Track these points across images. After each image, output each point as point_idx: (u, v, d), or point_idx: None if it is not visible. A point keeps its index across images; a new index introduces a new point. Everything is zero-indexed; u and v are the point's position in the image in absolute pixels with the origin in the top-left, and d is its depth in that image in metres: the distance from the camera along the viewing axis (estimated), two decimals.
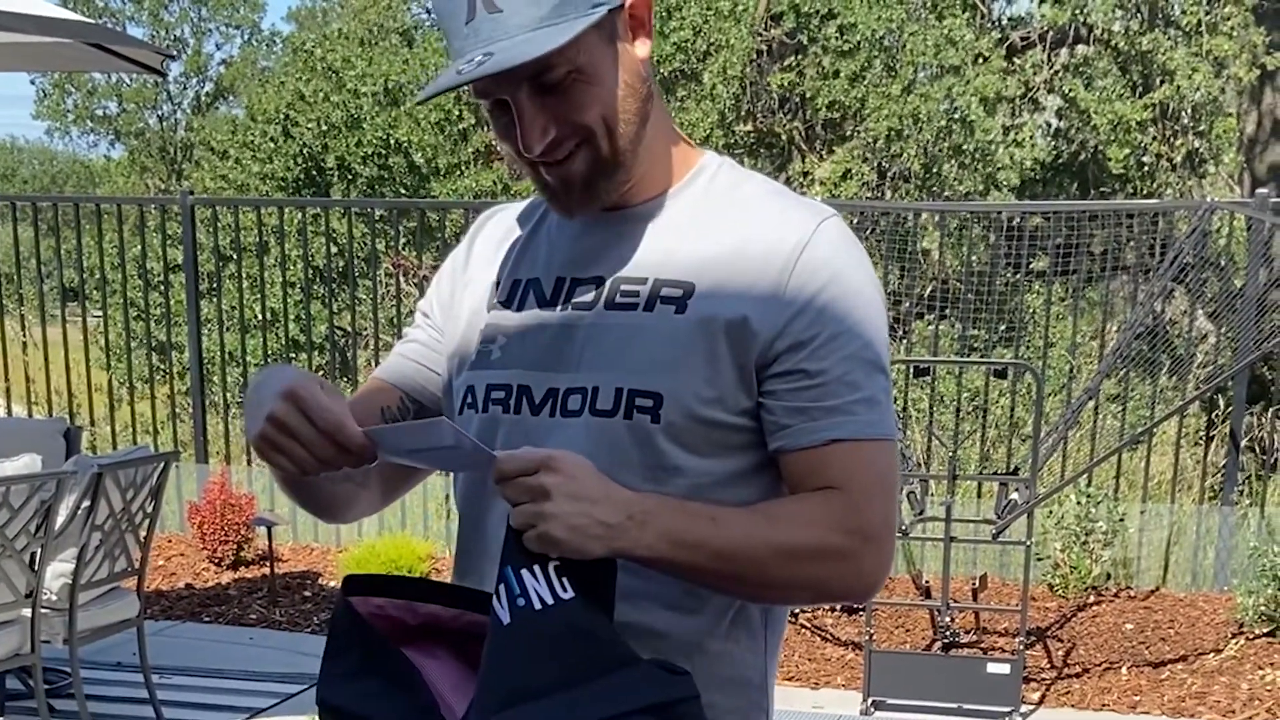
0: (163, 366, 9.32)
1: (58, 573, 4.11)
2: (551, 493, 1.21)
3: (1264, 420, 7.38)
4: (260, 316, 8.63)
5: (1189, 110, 11.73)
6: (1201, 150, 12.08)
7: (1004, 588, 5.98)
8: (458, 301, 1.53)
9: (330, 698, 1.34)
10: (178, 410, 7.56)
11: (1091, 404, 6.38)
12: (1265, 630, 5.32)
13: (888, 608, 5.57)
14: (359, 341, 8.14)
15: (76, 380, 7.54)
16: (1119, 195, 12.38)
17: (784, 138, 12.88)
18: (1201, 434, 7.14)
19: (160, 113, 29.99)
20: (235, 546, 6.27)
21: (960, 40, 11.14)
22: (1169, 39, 11.23)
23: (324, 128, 12.85)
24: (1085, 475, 6.01)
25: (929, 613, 5.41)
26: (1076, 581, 5.86)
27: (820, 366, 1.33)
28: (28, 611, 3.96)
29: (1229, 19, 10.67)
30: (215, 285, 8.29)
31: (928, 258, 9.29)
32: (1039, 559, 5.82)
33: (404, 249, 9.14)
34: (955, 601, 5.12)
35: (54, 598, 4.12)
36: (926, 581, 5.56)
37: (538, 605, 1.20)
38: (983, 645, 5.29)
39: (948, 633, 5.15)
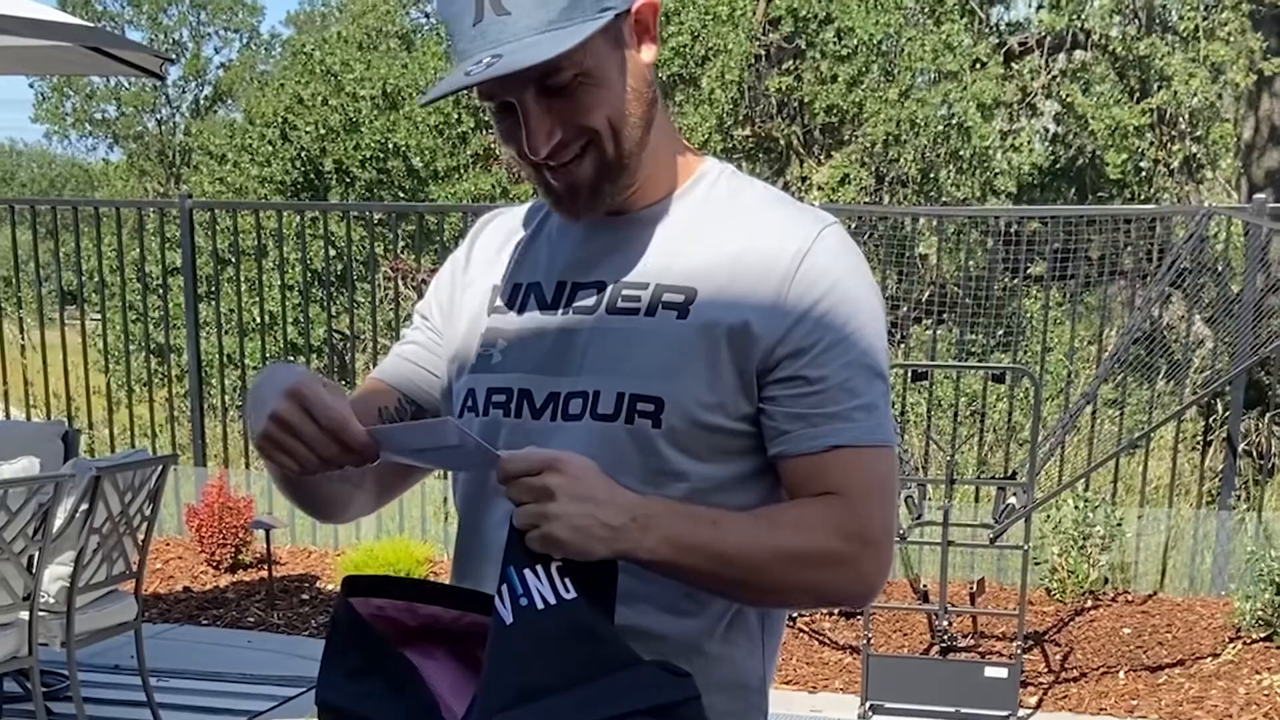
0: (161, 370, 9.33)
1: (55, 575, 4.11)
2: (556, 493, 1.21)
3: (1261, 425, 7.40)
4: (259, 320, 8.63)
5: (1186, 116, 11.75)
6: (1199, 156, 12.10)
7: (1002, 592, 5.98)
8: (457, 304, 1.53)
9: (330, 698, 1.34)
10: (176, 413, 7.56)
11: (1089, 409, 6.39)
12: (1262, 635, 5.33)
13: (886, 612, 5.57)
14: (357, 345, 8.14)
15: (75, 383, 7.55)
16: (1116, 200, 12.40)
17: (782, 142, 12.89)
18: (1199, 439, 7.15)
19: (159, 116, 30.00)
20: (233, 549, 6.27)
21: (958, 46, 11.16)
22: (1166, 44, 11.25)
23: (322, 131, 12.86)
24: (1083, 480, 6.02)
25: (927, 617, 5.41)
26: (1074, 586, 5.86)
27: (821, 373, 1.34)
28: (25, 614, 3.96)
29: (1226, 25, 10.69)
30: (214, 289, 8.29)
31: (925, 263, 9.30)
32: (1037, 563, 5.82)
33: (402, 252, 9.15)
34: (953, 605, 5.12)
35: (52, 600, 4.12)
36: (924, 586, 5.55)
37: (540, 605, 1.20)
38: (980, 649, 5.29)
39: (945, 637, 5.15)
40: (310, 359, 9.46)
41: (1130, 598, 6.00)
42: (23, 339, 7.92)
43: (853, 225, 6.73)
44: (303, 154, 13.01)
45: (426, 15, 18.26)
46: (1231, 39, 10.67)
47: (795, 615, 5.46)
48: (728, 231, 1.40)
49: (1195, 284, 6.48)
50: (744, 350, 1.35)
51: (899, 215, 8.04)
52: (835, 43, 11.34)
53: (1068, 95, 11.85)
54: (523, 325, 1.44)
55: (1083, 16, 11.43)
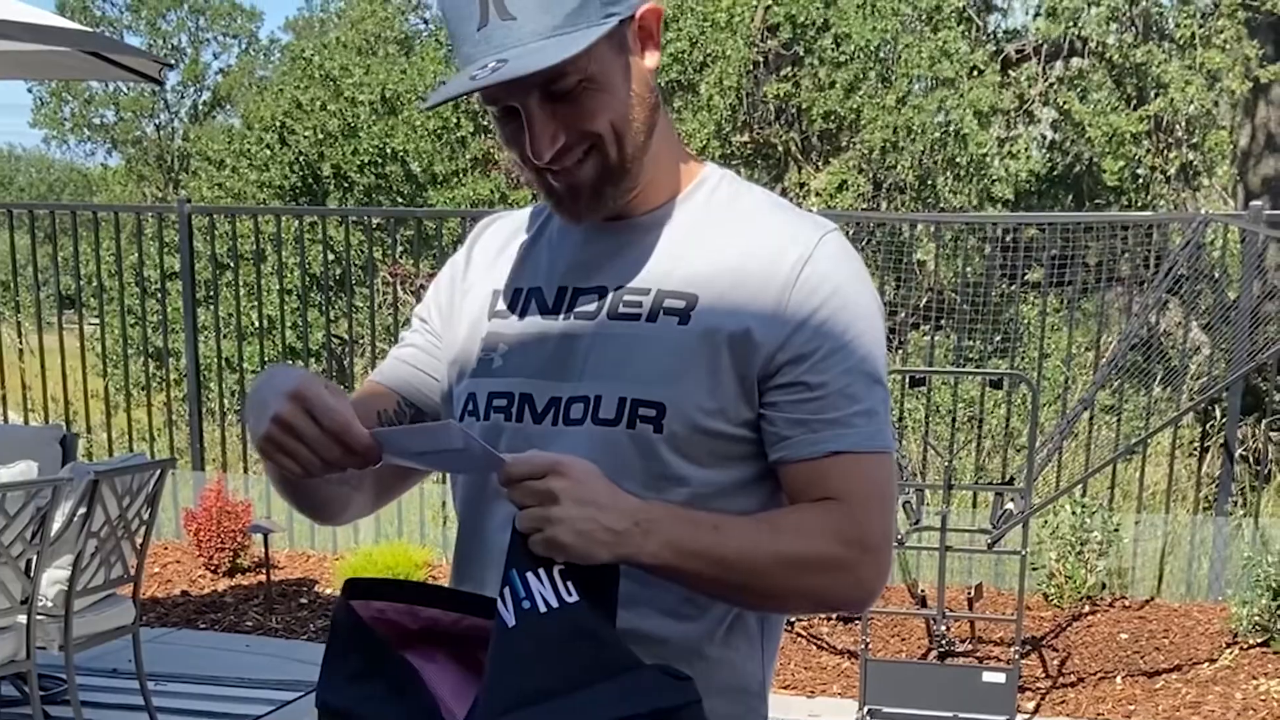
0: (159, 374, 9.34)
1: (53, 579, 4.11)
2: (560, 497, 1.21)
3: (1258, 431, 7.40)
4: (257, 324, 8.63)
5: (1183, 123, 11.78)
6: (1195, 163, 12.13)
7: (999, 597, 5.99)
8: (457, 308, 1.54)
9: (331, 700, 1.34)
10: (174, 417, 7.56)
11: (1086, 415, 6.40)
12: (1259, 640, 5.34)
13: (884, 616, 5.58)
14: (356, 349, 8.15)
15: (73, 387, 7.55)
16: (1114, 207, 12.43)
17: (780, 149, 12.90)
18: (1196, 445, 7.16)
19: (158, 121, 30.01)
20: (232, 553, 6.26)
21: (955, 53, 11.18)
22: (1163, 52, 11.28)
23: (320, 136, 12.86)
24: (1080, 485, 6.02)
25: (925, 622, 5.42)
26: (1071, 591, 5.87)
27: (821, 379, 1.35)
28: (23, 618, 3.96)
29: (1222, 32, 10.72)
30: (212, 293, 8.29)
31: (923, 269, 9.31)
32: (1034, 568, 5.83)
33: (401, 257, 9.15)
34: (951, 611, 5.12)
35: (50, 604, 4.11)
36: (922, 591, 5.56)
37: (543, 608, 1.21)
38: (978, 654, 5.29)
39: (943, 642, 5.15)
40: (308, 364, 9.45)
41: (1127, 603, 6.01)
42: (21, 343, 7.92)
43: (851, 232, 6.74)
44: (301, 158, 13.01)
45: (425, 21, 18.29)
46: (1228, 46, 10.69)
47: (793, 620, 5.46)
48: (729, 237, 1.41)
49: (1192, 290, 6.49)
50: (745, 356, 1.35)
51: (897, 221, 8.05)
52: (833, 49, 11.36)
53: (1065, 103, 11.87)
54: (524, 330, 1.44)
55: (1079, 24, 11.46)
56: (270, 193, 12.95)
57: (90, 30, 5.60)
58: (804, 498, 1.37)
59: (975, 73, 11.47)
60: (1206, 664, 5.26)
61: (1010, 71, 12.38)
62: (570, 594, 1.22)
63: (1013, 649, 4.81)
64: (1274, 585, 5.26)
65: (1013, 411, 7.24)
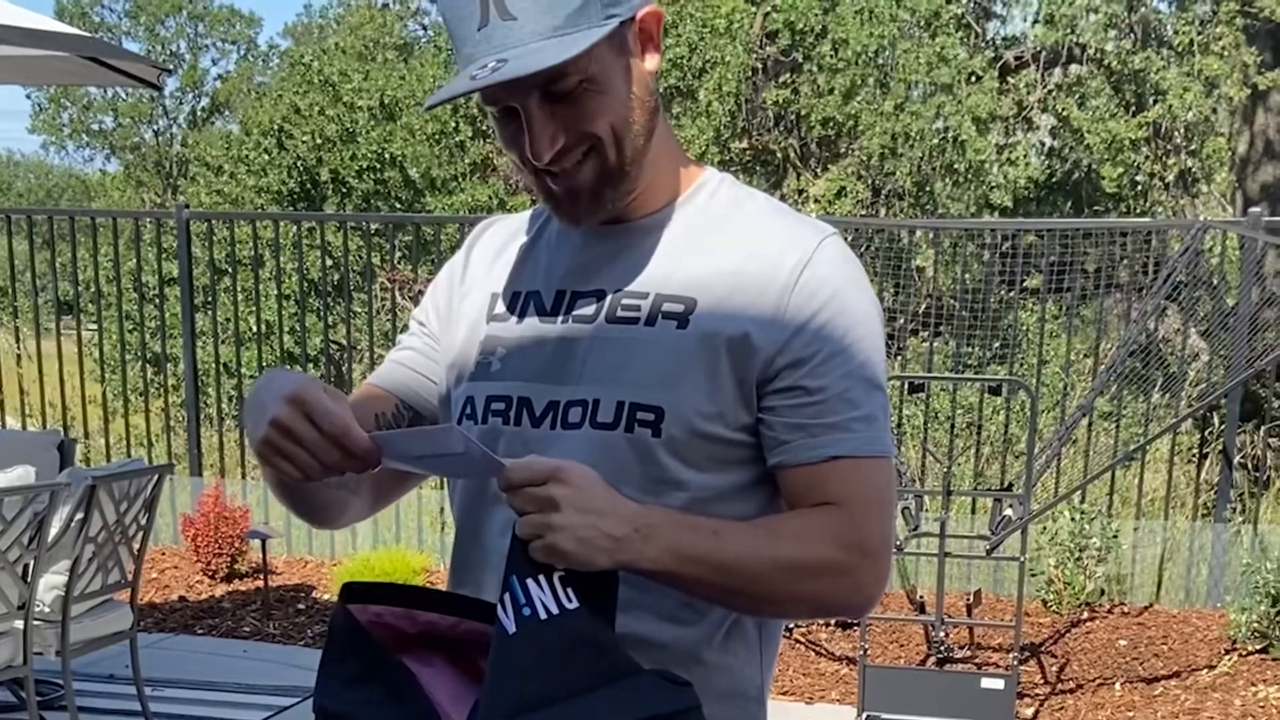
0: (158, 379, 9.33)
1: (51, 584, 4.10)
2: (560, 504, 1.21)
3: (1256, 438, 7.41)
4: (255, 329, 8.63)
5: (1182, 130, 11.80)
6: (1194, 169, 12.15)
7: (998, 603, 5.98)
8: (455, 311, 1.53)
9: (329, 705, 1.34)
10: (172, 423, 7.55)
11: (1085, 421, 6.40)
12: (1258, 647, 5.33)
13: (882, 623, 5.57)
14: (354, 355, 8.15)
15: (71, 393, 7.54)
16: (1112, 214, 12.44)
17: (779, 155, 12.93)
18: (1195, 451, 7.16)
19: (156, 127, 30.04)
20: (229, 559, 6.26)
21: (952, 58, 11.20)
22: (1161, 59, 11.30)
23: (319, 141, 12.88)
24: (1079, 492, 6.02)
25: (924, 628, 5.41)
26: (1070, 597, 5.87)
27: (820, 384, 1.34)
28: (20, 623, 3.95)
29: (1220, 39, 10.74)
30: (210, 299, 8.29)
31: (922, 275, 9.32)
32: (1033, 575, 5.83)
33: (399, 263, 9.15)
34: (950, 617, 5.12)
35: (47, 609, 4.11)
36: (921, 597, 5.56)
37: (543, 615, 1.20)
38: (977, 660, 5.29)
39: (942, 648, 5.15)
40: (307, 369, 9.45)
41: (1126, 609, 6.01)
42: (19, 349, 7.91)
43: (850, 238, 6.74)
44: (299, 163, 13.03)
45: (424, 27, 18.33)
46: (1226, 54, 10.72)
47: (792, 626, 5.46)
48: (727, 241, 1.40)
49: (1191, 297, 6.50)
50: (744, 361, 1.35)
51: (896, 228, 8.06)
52: (831, 55, 11.38)
53: (1063, 109, 11.90)
54: (522, 333, 1.44)
55: (1078, 31, 11.48)
56: (268, 198, 12.97)
57: (88, 35, 5.60)
58: (802, 503, 1.36)
59: (973, 79, 11.50)
60: (1205, 670, 5.25)
61: (1009, 78, 12.41)
62: (570, 600, 1.22)
63: (1011, 655, 4.81)
64: (1273, 592, 5.25)
65: (1011, 418, 7.24)
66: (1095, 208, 12.99)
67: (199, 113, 30.15)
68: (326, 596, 6.12)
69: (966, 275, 8.92)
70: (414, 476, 1.56)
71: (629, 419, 1.35)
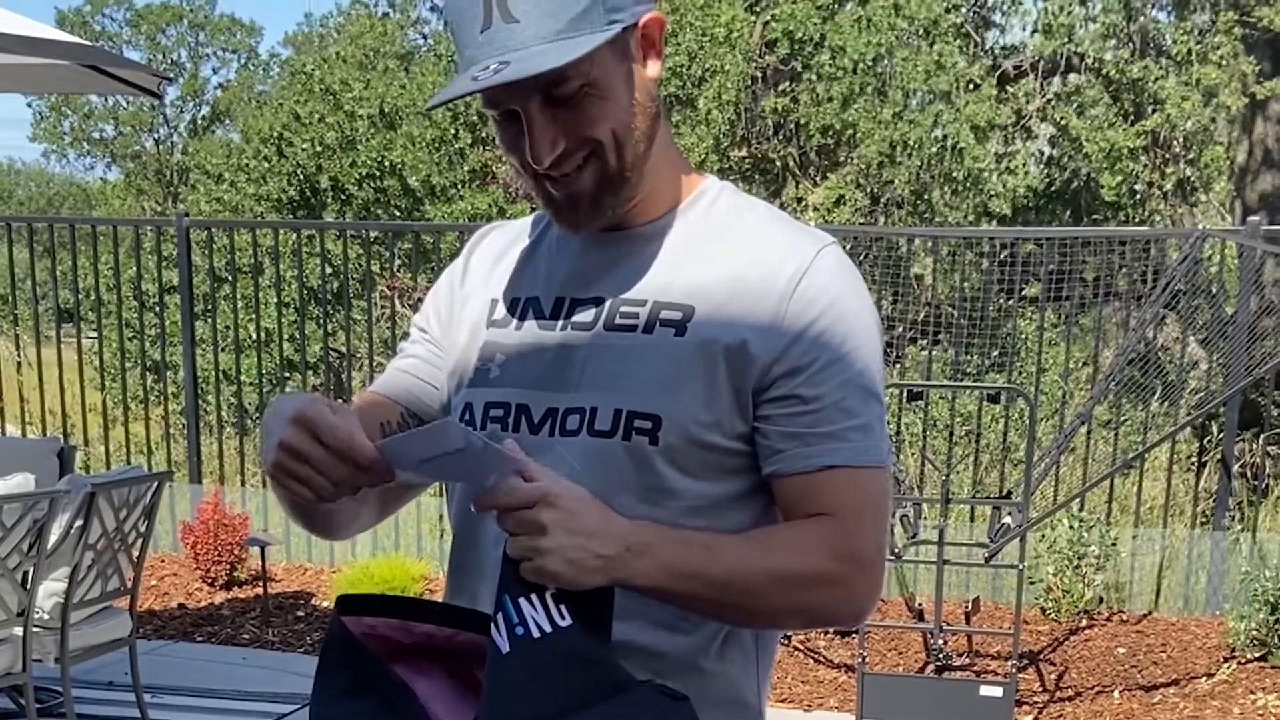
0: (157, 387, 9.33)
1: (50, 591, 4.10)
2: (548, 528, 1.21)
3: (1255, 446, 7.41)
4: (255, 337, 8.64)
5: (1180, 139, 11.82)
6: (1193, 178, 12.17)
7: (997, 611, 5.98)
8: (456, 317, 1.53)
9: (324, 716, 1.34)
10: (172, 431, 7.55)
11: (1084, 429, 6.40)
12: (1257, 654, 5.33)
13: (881, 630, 5.57)
14: (354, 363, 8.15)
15: (71, 400, 7.54)
16: (1111, 222, 12.45)
17: (778, 164, 12.94)
18: (1193, 459, 7.16)
19: (157, 136, 30.09)
20: (229, 566, 6.26)
21: (950, 66, 11.22)
22: (1160, 68, 11.33)
23: (318, 148, 12.89)
24: (1078, 500, 6.03)
25: (922, 635, 5.41)
26: (1069, 605, 5.87)
27: (816, 392, 1.34)
28: (19, 630, 3.95)
29: (1219, 49, 10.76)
30: (210, 306, 8.30)
31: (921, 283, 9.33)
32: (1032, 582, 5.83)
33: (399, 271, 9.16)
34: (948, 624, 5.12)
35: (46, 616, 4.11)
36: (920, 604, 5.56)
37: (536, 634, 1.20)
38: (976, 668, 5.29)
39: (941, 655, 5.15)
40: (306, 377, 9.46)
41: (1125, 617, 6.01)
42: (19, 356, 7.92)
43: (848, 246, 6.75)
44: (299, 171, 13.04)
45: (424, 36, 18.36)
46: (1224, 63, 10.74)
47: (790, 633, 5.46)
48: (727, 250, 1.40)
49: (1189, 306, 6.50)
50: (741, 369, 1.35)
51: (894, 236, 8.07)
52: (830, 64, 11.40)
53: (1062, 118, 11.92)
54: (521, 340, 1.44)
55: (1075, 40, 11.51)
56: (268, 206, 12.99)
57: (89, 44, 5.61)
58: (797, 512, 1.36)
59: (971, 87, 11.52)
60: (1204, 678, 5.25)
61: (1008, 87, 12.43)
62: (564, 618, 1.22)
63: (1010, 663, 4.81)
64: (1271, 600, 5.26)
65: (1010, 426, 7.25)
66: (1094, 216, 13.01)
67: (200, 121, 30.20)
68: (326, 604, 6.12)
69: (965, 283, 8.93)
70: (416, 484, 1.55)
71: (626, 427, 1.34)
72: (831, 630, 5.62)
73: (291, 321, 8.83)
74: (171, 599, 6.20)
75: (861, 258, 6.75)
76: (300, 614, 6.00)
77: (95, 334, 7.82)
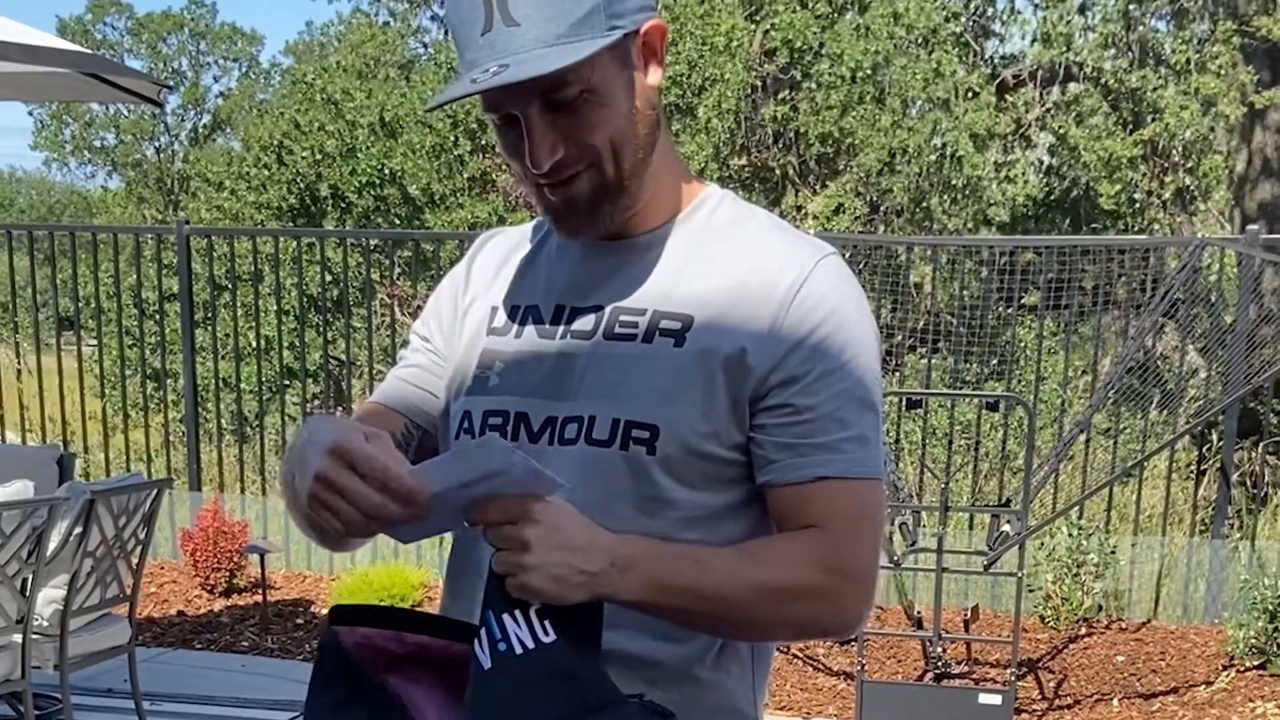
0: (157, 395, 9.34)
1: (49, 599, 4.10)
2: (532, 545, 1.20)
3: (1254, 454, 7.41)
4: (255, 345, 8.65)
5: (1179, 148, 11.84)
6: (1192, 187, 12.18)
7: (996, 619, 5.98)
8: (458, 324, 1.52)
9: None
10: (172, 438, 7.56)
11: (1083, 437, 6.41)
12: (1256, 663, 5.33)
13: (880, 638, 5.57)
14: (353, 371, 8.16)
15: (71, 408, 7.54)
16: (1110, 231, 12.47)
17: (778, 172, 12.97)
18: (1192, 468, 7.16)
19: (158, 144, 30.14)
20: (228, 574, 6.26)
21: (950, 74, 11.25)
22: (1159, 77, 11.35)
23: (318, 156, 12.91)
24: (1077, 508, 6.03)
25: (921, 643, 5.41)
26: (1068, 613, 5.87)
27: (810, 402, 1.34)
28: (18, 637, 3.95)
29: (1217, 58, 10.79)
30: (210, 314, 8.31)
31: (920, 291, 9.34)
32: (1031, 590, 5.83)
33: (399, 279, 9.17)
34: (947, 632, 5.12)
35: (45, 623, 4.11)
36: (919, 612, 5.56)
37: (519, 650, 1.20)
38: (974, 676, 5.29)
39: (940, 663, 5.15)
40: (306, 384, 9.48)
41: (1124, 625, 6.01)
42: (19, 364, 7.92)
43: (847, 254, 6.76)
44: (299, 179, 13.06)
45: (425, 45, 18.38)
46: (1223, 72, 10.76)
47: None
48: (726, 259, 1.40)
49: (1188, 314, 6.51)
50: (739, 379, 1.34)
51: (894, 244, 8.08)
52: (829, 72, 11.43)
53: (1061, 127, 11.94)
54: (520, 348, 1.43)
55: (1074, 50, 11.54)
56: (268, 214, 13.01)
57: (90, 52, 5.62)
58: (790, 523, 1.35)
59: (970, 95, 11.55)
60: (1203, 686, 5.25)
61: (1007, 96, 12.46)
62: (547, 634, 1.21)
63: (1009, 671, 4.81)
64: (1270, 608, 5.26)
65: (1009, 434, 7.25)
66: (1093, 225, 13.02)
67: (201, 129, 30.25)
68: (324, 611, 6.11)
69: (964, 292, 8.94)
70: None
71: (624, 436, 1.34)
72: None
73: (291, 329, 8.83)
74: (171, 606, 6.20)
75: (860, 266, 6.76)
76: (299, 621, 5.99)
77: (95, 341, 7.83)
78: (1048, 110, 12.32)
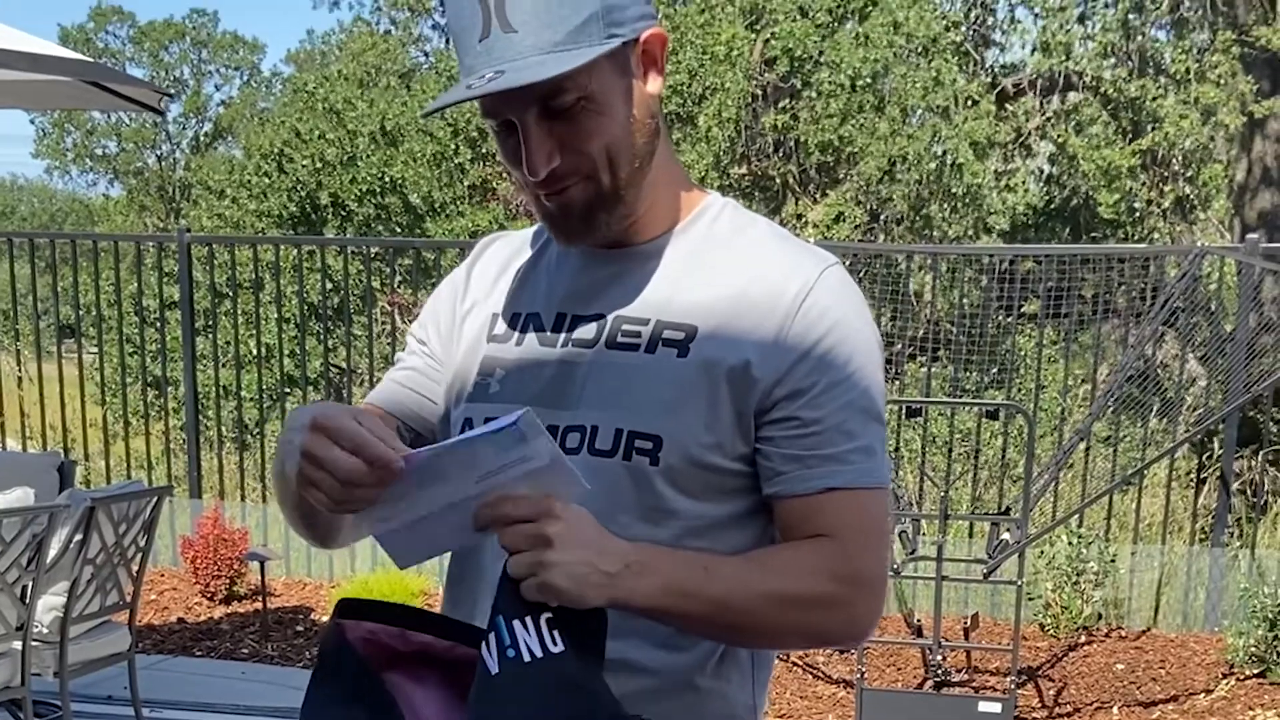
0: (158, 402, 9.34)
1: (49, 606, 4.10)
2: (554, 541, 1.19)
3: (1254, 463, 7.41)
4: (255, 353, 8.66)
5: (1179, 157, 11.85)
6: (1191, 196, 12.20)
7: (995, 627, 5.98)
8: (457, 329, 1.52)
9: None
10: (172, 446, 7.56)
11: (1083, 446, 6.41)
12: (1255, 671, 5.33)
13: (880, 646, 5.57)
14: (354, 378, 8.16)
15: (71, 415, 7.54)
16: (1110, 240, 12.48)
17: (778, 181, 12.98)
18: (1192, 476, 7.16)
19: (159, 152, 30.17)
20: (228, 581, 6.26)
21: (949, 82, 11.27)
22: (1158, 87, 11.37)
23: (319, 165, 12.93)
24: (1076, 516, 6.03)
25: (921, 651, 5.41)
26: (1068, 621, 5.87)
27: (817, 414, 1.34)
28: (18, 644, 3.95)
29: (1217, 68, 10.80)
30: (211, 322, 8.31)
31: (920, 300, 9.35)
32: (1030, 599, 5.82)
33: (399, 287, 9.18)
34: (947, 640, 5.12)
35: (45, 631, 4.11)
36: (918, 620, 5.56)
37: (527, 658, 1.19)
38: (974, 684, 5.28)
39: (939, 671, 5.15)
40: (307, 392, 9.48)
41: (1124, 633, 6.00)
42: (20, 371, 7.93)
43: (848, 263, 6.76)
44: (299, 187, 13.07)
45: (426, 54, 18.41)
46: (1223, 81, 10.78)
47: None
48: (729, 268, 1.40)
49: (1188, 323, 6.51)
50: (743, 390, 1.34)
51: (894, 252, 8.09)
52: (829, 80, 11.45)
53: (1060, 136, 11.96)
54: (521, 355, 1.43)
55: (1074, 59, 11.55)
56: (269, 222, 13.02)
57: (91, 60, 5.63)
58: (797, 533, 1.36)
59: (970, 103, 11.56)
60: (1203, 695, 5.25)
61: (1008, 105, 12.48)
62: (556, 643, 1.21)
63: (1009, 679, 4.81)
64: (1270, 616, 5.25)
65: (1009, 442, 7.26)
66: (1093, 234, 13.04)
67: (202, 138, 30.28)
68: (325, 618, 6.11)
69: (964, 300, 8.95)
70: None
71: (627, 447, 1.34)
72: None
73: (292, 337, 8.84)
74: (171, 613, 6.20)
75: (861, 274, 6.77)
76: (299, 628, 5.99)
77: (96, 349, 7.83)
78: (1047, 119, 12.34)
